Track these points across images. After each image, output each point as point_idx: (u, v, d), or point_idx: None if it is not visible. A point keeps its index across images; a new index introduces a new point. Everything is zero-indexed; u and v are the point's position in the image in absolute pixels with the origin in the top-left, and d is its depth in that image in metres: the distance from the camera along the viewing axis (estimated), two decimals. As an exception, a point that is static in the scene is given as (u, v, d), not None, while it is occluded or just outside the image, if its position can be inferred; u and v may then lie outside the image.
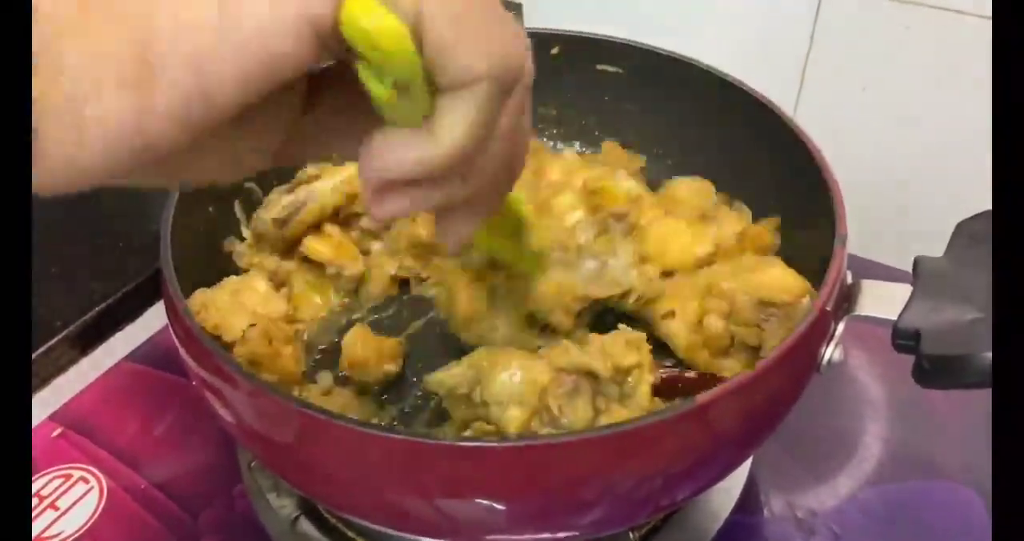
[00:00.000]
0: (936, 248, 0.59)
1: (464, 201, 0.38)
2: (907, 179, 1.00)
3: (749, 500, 0.70)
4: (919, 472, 0.73)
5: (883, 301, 0.54)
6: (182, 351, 0.57)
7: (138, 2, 0.27)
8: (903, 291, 0.54)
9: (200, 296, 0.65)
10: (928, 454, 0.74)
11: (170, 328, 0.59)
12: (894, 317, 0.53)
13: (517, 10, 1.17)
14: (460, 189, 0.36)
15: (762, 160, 0.73)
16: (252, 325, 0.63)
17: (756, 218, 0.74)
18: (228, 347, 0.63)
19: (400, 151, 0.33)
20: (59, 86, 0.26)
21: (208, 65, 0.27)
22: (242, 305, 0.65)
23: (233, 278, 0.69)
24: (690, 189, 0.76)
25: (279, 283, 0.70)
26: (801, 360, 0.54)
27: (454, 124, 0.32)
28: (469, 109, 0.32)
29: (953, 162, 0.94)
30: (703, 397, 0.48)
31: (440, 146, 0.32)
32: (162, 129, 0.28)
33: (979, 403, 0.74)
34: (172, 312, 0.57)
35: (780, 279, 0.61)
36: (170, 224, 0.61)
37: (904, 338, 0.51)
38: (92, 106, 0.27)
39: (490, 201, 0.40)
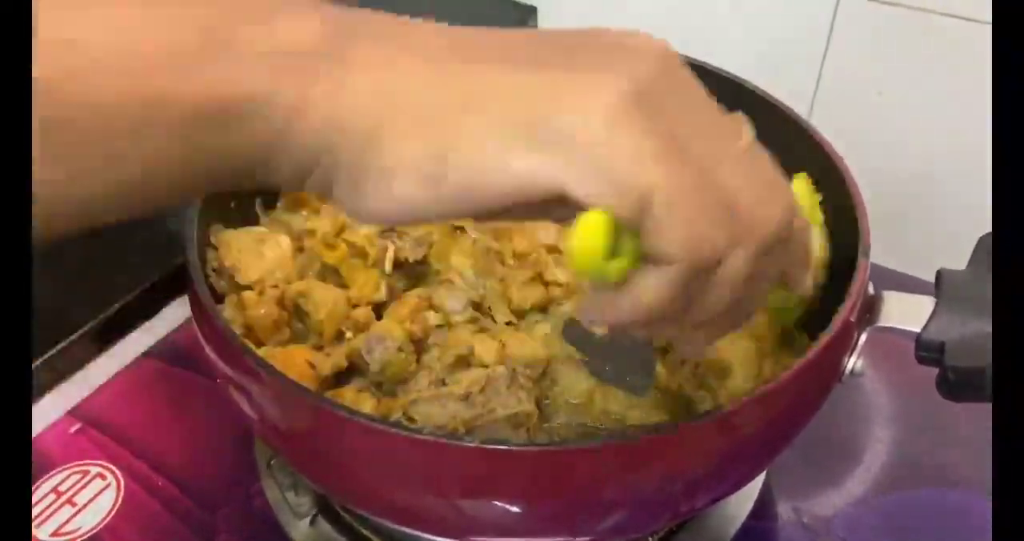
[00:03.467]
0: (952, 255, 0.59)
1: (686, 331, 0.41)
2: (922, 186, 1.00)
3: (765, 506, 0.70)
4: (931, 480, 0.73)
5: (906, 312, 0.55)
6: (208, 348, 0.57)
7: (444, 117, 0.35)
8: (926, 303, 0.55)
9: (224, 234, 0.66)
10: (941, 462, 0.74)
11: (195, 325, 0.59)
12: (917, 329, 0.53)
13: (532, 13, 1.17)
14: (674, 328, 0.40)
15: (781, 169, 0.73)
16: (274, 286, 0.64)
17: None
18: (238, 288, 0.64)
19: (603, 306, 0.38)
20: (380, 158, 0.35)
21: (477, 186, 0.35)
22: (262, 255, 0.65)
23: (260, 228, 0.69)
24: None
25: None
26: (825, 370, 0.54)
27: (646, 289, 0.36)
28: (661, 282, 0.36)
29: (969, 169, 0.95)
30: (730, 406, 0.48)
31: (633, 306, 0.37)
32: (440, 212, 0.36)
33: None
34: (198, 309, 0.58)
35: None
36: (196, 222, 0.61)
37: (928, 350, 0.52)
38: (399, 184, 0.35)
39: (714, 331, 0.43)
